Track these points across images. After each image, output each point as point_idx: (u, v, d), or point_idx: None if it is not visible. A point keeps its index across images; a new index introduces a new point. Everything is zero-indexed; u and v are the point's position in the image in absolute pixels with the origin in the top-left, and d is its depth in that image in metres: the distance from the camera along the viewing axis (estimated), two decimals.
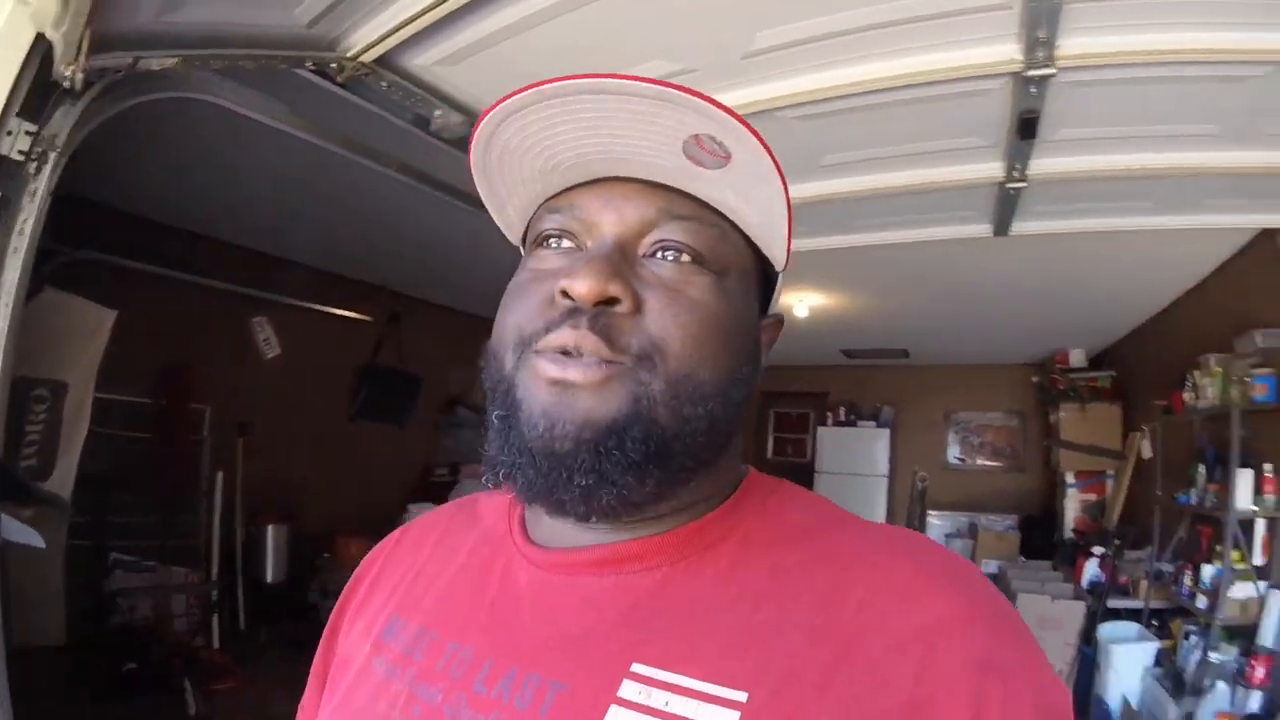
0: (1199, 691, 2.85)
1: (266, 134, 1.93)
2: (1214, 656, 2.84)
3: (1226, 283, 3.47)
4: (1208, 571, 3.12)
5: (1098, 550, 4.21)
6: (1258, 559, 2.90)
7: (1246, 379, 2.99)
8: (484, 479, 0.53)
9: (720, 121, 0.46)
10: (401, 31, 1.60)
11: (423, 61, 1.79)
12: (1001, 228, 2.61)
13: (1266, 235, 2.92)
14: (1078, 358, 5.45)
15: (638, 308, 0.48)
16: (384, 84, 1.80)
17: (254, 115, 1.78)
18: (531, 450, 0.47)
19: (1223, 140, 1.95)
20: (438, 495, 4.66)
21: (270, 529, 3.85)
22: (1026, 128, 1.86)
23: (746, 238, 0.54)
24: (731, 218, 0.52)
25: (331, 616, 0.65)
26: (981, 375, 6.45)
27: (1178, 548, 3.63)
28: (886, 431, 6.82)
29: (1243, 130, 1.90)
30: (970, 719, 0.40)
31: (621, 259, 0.49)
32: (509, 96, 0.48)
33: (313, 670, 0.65)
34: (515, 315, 0.51)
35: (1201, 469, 3.38)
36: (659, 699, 0.43)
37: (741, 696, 0.42)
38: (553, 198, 0.54)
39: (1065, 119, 1.89)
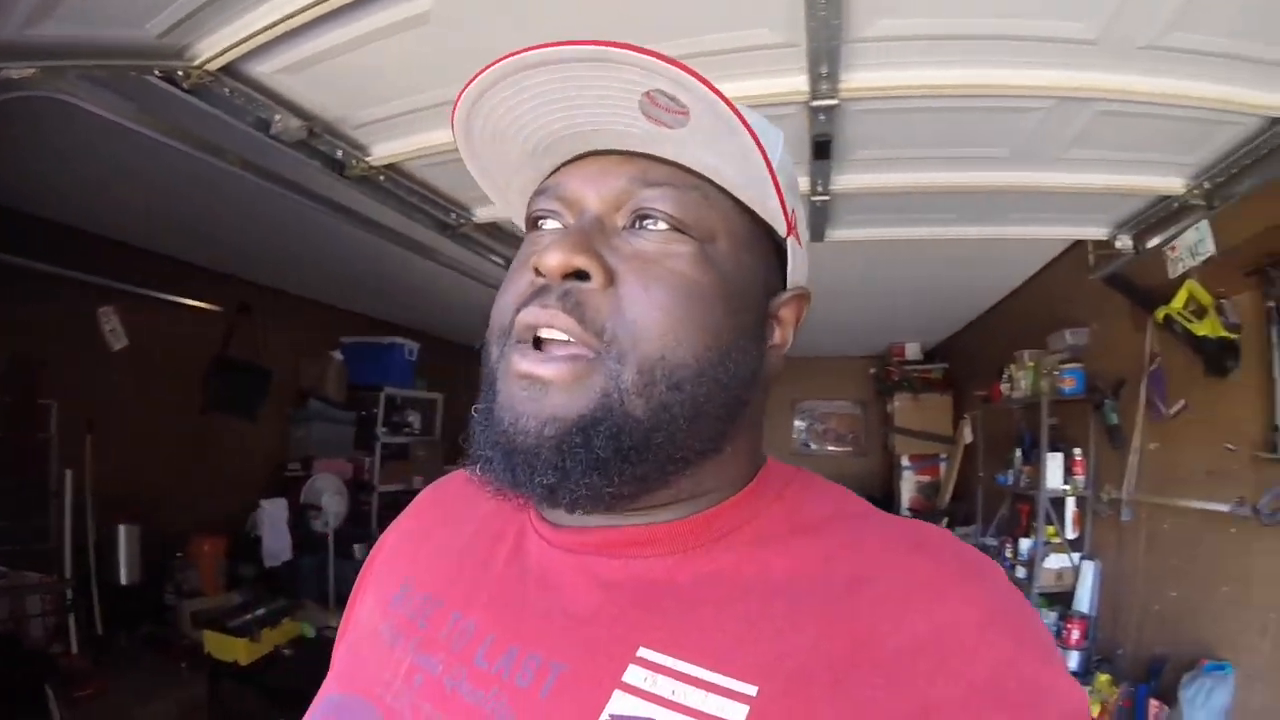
0: None
1: (115, 129, 1.93)
2: None
3: (1042, 286, 3.88)
4: (1025, 545, 3.50)
5: None
6: (1070, 533, 3.29)
7: (1056, 372, 3.36)
8: (466, 467, 0.52)
9: (664, 73, 0.43)
10: (244, 45, 1.63)
11: (266, 69, 1.78)
12: (817, 234, 2.76)
13: (1074, 247, 3.30)
14: (913, 350, 5.92)
15: (610, 281, 0.46)
16: (227, 90, 1.81)
17: (104, 114, 1.81)
18: (500, 444, 0.47)
19: (1013, 162, 2.13)
20: (291, 489, 4.49)
21: (122, 529, 3.56)
22: (821, 150, 1.96)
23: (741, 203, 0.51)
24: (714, 179, 0.50)
25: (354, 588, 0.65)
26: (826, 366, 6.80)
27: (1000, 523, 4.04)
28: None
29: (1033, 153, 2.08)
30: None
31: (597, 231, 0.48)
32: (467, 85, 0.47)
33: (336, 644, 0.63)
34: (499, 302, 0.50)
35: (1019, 453, 3.78)
36: (665, 686, 0.42)
37: (751, 690, 0.41)
38: (544, 180, 0.53)
39: (859, 142, 2.00)
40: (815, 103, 1.75)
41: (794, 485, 0.54)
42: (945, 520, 4.57)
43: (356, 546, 4.63)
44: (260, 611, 3.34)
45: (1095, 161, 2.14)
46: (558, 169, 0.52)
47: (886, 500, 6.04)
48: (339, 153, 2.04)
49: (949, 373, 5.68)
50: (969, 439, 4.58)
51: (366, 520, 5.09)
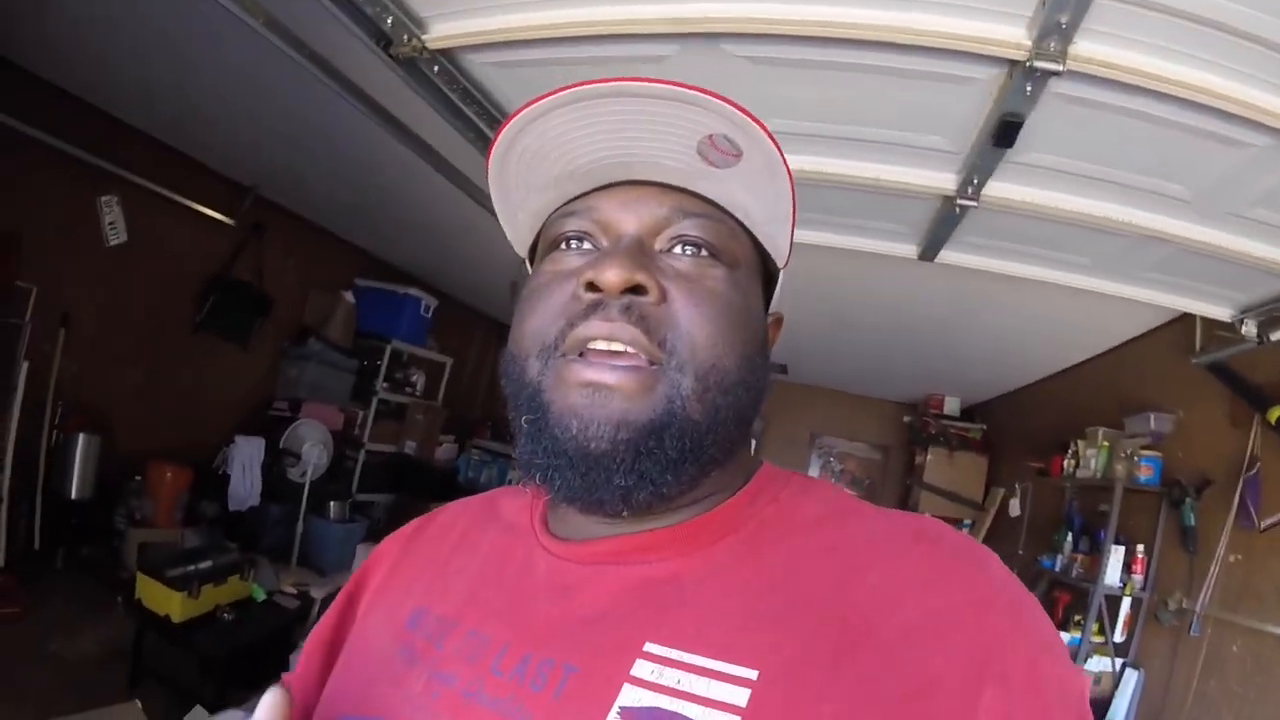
0: None
1: None
2: None
3: (1125, 360, 3.56)
4: (1063, 639, 3.17)
5: None
6: (1118, 635, 2.97)
7: (1135, 457, 3.04)
8: (519, 480, 0.57)
9: (735, 120, 0.47)
10: None
11: None
12: (929, 252, 2.45)
13: (1177, 322, 2.99)
14: (952, 405, 5.60)
15: (663, 297, 0.49)
16: None
17: None
18: (568, 453, 0.48)
19: (1190, 209, 1.88)
20: (273, 431, 4.14)
21: (81, 438, 3.21)
22: (1006, 133, 1.63)
23: (752, 236, 0.55)
24: (738, 215, 0.53)
25: (339, 601, 0.65)
26: (853, 403, 6.53)
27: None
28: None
29: (1214, 204, 1.83)
30: (981, 705, 0.39)
31: (642, 252, 0.50)
32: (531, 103, 0.48)
33: (309, 643, 0.65)
34: (537, 318, 0.51)
35: (1069, 536, 3.46)
36: (671, 677, 0.43)
37: (752, 674, 0.42)
38: (567, 203, 0.54)
39: (1042, 140, 1.73)
40: (1036, 63, 1.39)
41: (790, 487, 0.55)
42: None
43: (333, 504, 4.37)
44: (205, 564, 2.95)
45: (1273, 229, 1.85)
46: (586, 194, 0.53)
47: None
48: (389, 20, 1.66)
49: (987, 435, 5.36)
50: (1015, 513, 4.24)
51: (348, 478, 4.83)
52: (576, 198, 0.54)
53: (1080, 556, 3.29)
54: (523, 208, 0.56)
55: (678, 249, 0.52)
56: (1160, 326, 3.13)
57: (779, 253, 0.57)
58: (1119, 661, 2.94)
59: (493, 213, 0.58)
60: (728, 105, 0.46)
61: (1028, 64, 1.41)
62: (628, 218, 0.52)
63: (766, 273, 0.59)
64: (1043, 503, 4.03)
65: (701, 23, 1.51)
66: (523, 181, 0.54)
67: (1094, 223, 1.97)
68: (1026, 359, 4.23)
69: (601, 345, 0.48)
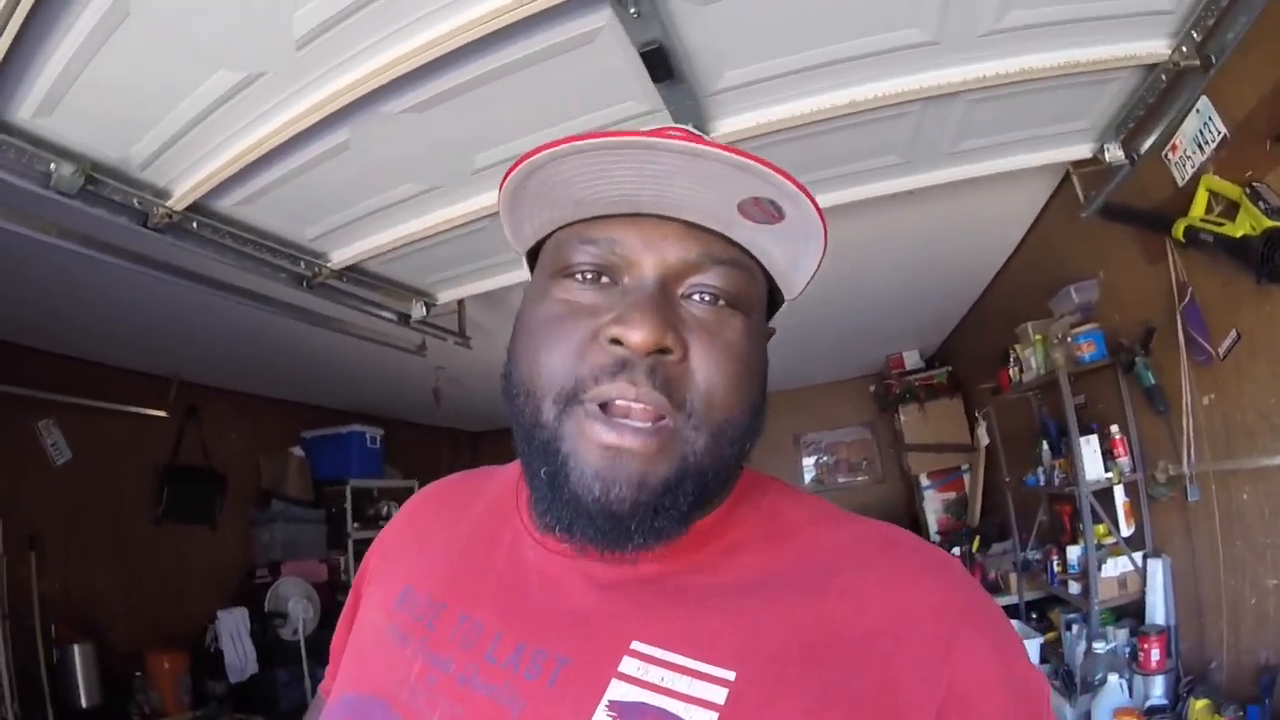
0: (1090, 688, 2.51)
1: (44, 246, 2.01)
2: (1098, 646, 2.51)
3: (1033, 249, 3.35)
4: (1074, 553, 2.85)
5: (955, 550, 3.94)
6: (1124, 529, 2.65)
7: (1069, 339, 2.79)
8: (539, 528, 0.55)
9: (784, 190, 0.47)
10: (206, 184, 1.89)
11: (227, 203, 2.08)
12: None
13: (1061, 188, 2.79)
14: (913, 359, 5.34)
15: (685, 355, 0.49)
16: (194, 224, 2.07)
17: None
18: (589, 511, 0.49)
19: (942, 50, 1.72)
20: (258, 597, 4.21)
21: (76, 649, 3.31)
22: (657, 64, 1.59)
23: (767, 275, 0.56)
24: (761, 260, 0.54)
25: (350, 595, 0.69)
26: (825, 393, 6.28)
27: (1041, 532, 3.39)
28: None
29: (962, 32, 1.67)
30: (939, 701, 0.42)
31: (666, 303, 0.50)
32: (571, 139, 0.47)
33: (332, 649, 0.69)
34: (555, 356, 0.50)
35: (1045, 446, 3.17)
36: (655, 674, 0.46)
37: (730, 674, 0.44)
38: (583, 224, 0.53)
39: (714, 59, 1.68)
40: None
41: (770, 495, 0.57)
42: (976, 539, 3.89)
43: None
44: None
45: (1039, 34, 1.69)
46: (606, 218, 0.52)
47: (913, 526, 5.35)
48: (135, 200, 1.91)
49: (954, 375, 5.07)
50: (986, 441, 3.94)
51: None
52: (595, 219, 0.52)
53: (1059, 462, 2.99)
54: (531, 220, 0.56)
55: (697, 296, 0.51)
56: (1049, 201, 2.93)
57: (791, 291, 0.59)
58: (1138, 556, 2.61)
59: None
60: (780, 175, 0.46)
61: None
62: (651, 258, 0.51)
63: (771, 299, 0.59)
64: (1016, 420, 3.73)
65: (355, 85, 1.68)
66: (540, 198, 0.52)
67: (853, 112, 1.83)
68: (951, 283, 4.02)
69: (621, 404, 0.48)
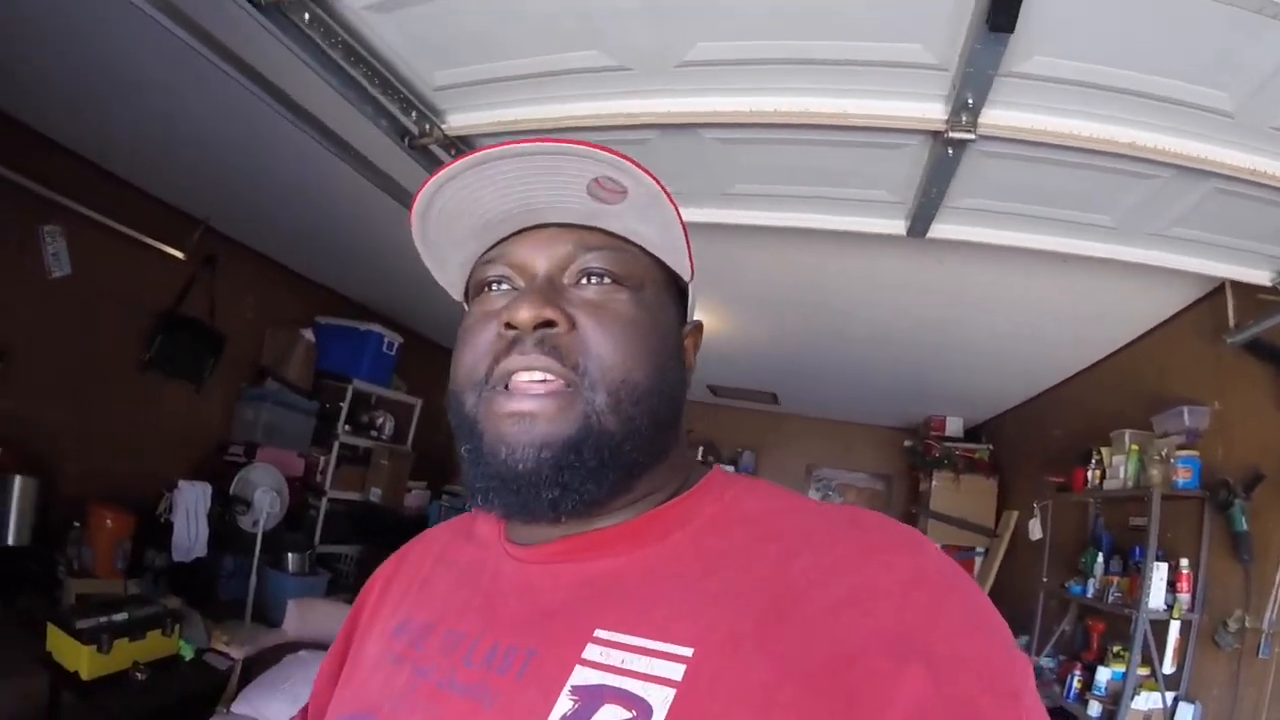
0: None
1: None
2: None
3: (1139, 356, 3.21)
4: (1103, 675, 2.74)
5: None
6: (1167, 666, 2.54)
7: (1171, 459, 2.66)
8: (466, 504, 0.62)
9: (614, 164, 0.53)
10: None
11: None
12: (920, 224, 2.15)
13: (1204, 300, 2.65)
14: (954, 426, 5.22)
15: (572, 326, 0.54)
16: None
17: None
18: (500, 475, 0.53)
19: (1234, 126, 1.55)
20: (225, 476, 3.80)
21: (18, 480, 2.95)
22: (1002, 6, 1.34)
23: (655, 258, 0.60)
24: (638, 242, 0.59)
25: (342, 631, 0.70)
26: (849, 433, 6.18)
27: (1060, 642, 3.28)
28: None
29: (1261, 116, 1.50)
30: (904, 681, 0.40)
31: (552, 289, 0.56)
32: (441, 168, 0.55)
33: (315, 685, 0.71)
34: (469, 354, 0.57)
35: (1099, 557, 3.05)
36: (616, 657, 0.47)
37: (688, 652, 0.45)
38: (486, 251, 0.60)
39: (1044, 34, 1.43)
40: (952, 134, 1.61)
41: (735, 488, 0.59)
42: None
43: (291, 556, 4.03)
44: (120, 616, 2.58)
45: None
46: (502, 241, 0.59)
47: None
48: (413, 115, 1.88)
49: (994, 455, 4.95)
50: (1037, 535, 3.80)
51: (310, 528, 4.47)
52: (495, 245, 0.60)
53: (1115, 579, 2.86)
54: (450, 260, 0.62)
55: (584, 280, 0.57)
56: (1185, 309, 2.79)
57: (682, 269, 0.62)
58: (1170, 695, 2.50)
59: None
60: (605, 152, 0.52)
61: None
62: (538, 258, 0.57)
63: (679, 289, 0.64)
64: (1061, 523, 3.61)
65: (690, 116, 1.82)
66: (444, 238, 0.60)
67: (1116, 153, 1.64)
68: (1032, 365, 3.88)
69: (523, 377, 0.53)
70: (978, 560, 4.67)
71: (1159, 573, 2.57)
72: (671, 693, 0.44)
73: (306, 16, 1.63)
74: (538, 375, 0.53)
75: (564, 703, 0.46)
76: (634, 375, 0.54)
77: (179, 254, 3.70)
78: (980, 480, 4.82)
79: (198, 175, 3.27)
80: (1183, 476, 2.59)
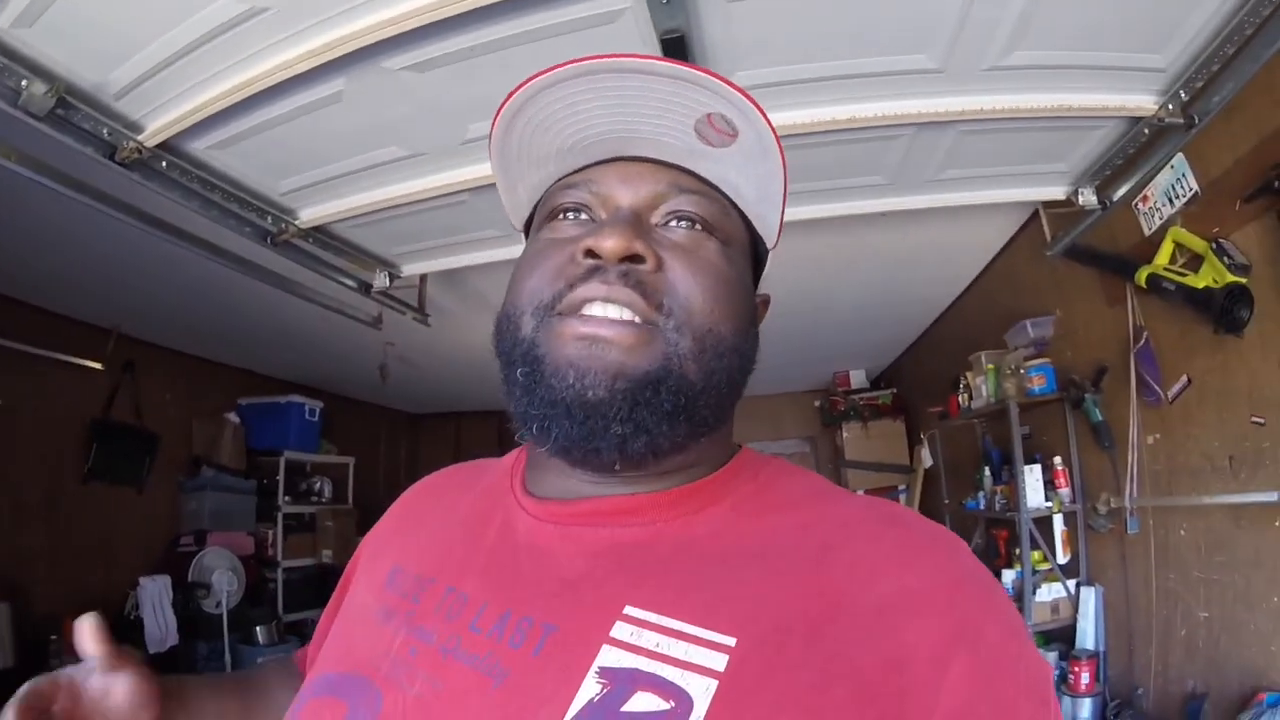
0: None
1: None
2: None
3: (993, 280, 3.48)
4: (1009, 576, 2.96)
5: None
6: (1061, 557, 2.77)
7: (1021, 371, 2.90)
8: (516, 435, 0.55)
9: (733, 101, 0.49)
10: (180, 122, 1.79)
11: (199, 145, 1.96)
12: None
13: (1029, 224, 2.90)
14: (859, 378, 5.49)
15: (659, 266, 0.51)
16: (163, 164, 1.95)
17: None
18: (565, 401, 0.48)
19: (944, 78, 1.77)
20: (182, 567, 4.02)
21: None
22: (674, 52, 1.57)
23: (744, 217, 0.57)
24: (731, 195, 0.56)
25: (340, 581, 0.68)
26: (770, 405, 6.38)
27: (976, 555, 3.50)
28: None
29: (965, 63, 1.72)
30: (945, 682, 0.40)
31: (638, 222, 0.52)
32: (540, 74, 0.50)
33: (317, 629, 0.69)
34: (535, 278, 0.52)
35: (987, 472, 3.29)
36: (650, 640, 0.43)
37: (730, 641, 0.42)
38: (565, 177, 0.56)
39: (730, 56, 1.68)
40: None
41: (769, 469, 0.56)
42: None
43: (259, 629, 4.20)
44: None
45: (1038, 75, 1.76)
46: (587, 167, 0.55)
47: None
48: (105, 131, 1.79)
49: (898, 397, 5.24)
50: (928, 463, 4.07)
51: (272, 599, 4.59)
52: (575, 171, 0.55)
53: (1001, 488, 3.11)
54: (523, 180, 0.58)
55: (673, 223, 0.53)
56: (1015, 235, 3.05)
57: (769, 232, 0.59)
58: (1072, 583, 2.73)
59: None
60: (727, 85, 0.48)
61: None
62: (625, 191, 0.53)
63: (755, 254, 0.60)
64: (959, 445, 3.88)
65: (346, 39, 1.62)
66: (525, 153, 0.55)
67: (851, 128, 1.87)
68: (910, 310, 4.16)
69: (598, 309, 0.49)
70: (901, 497, 4.92)
71: (1032, 474, 2.82)
72: (713, 684, 0.41)
73: (164, 164, 1.94)
74: (615, 311, 0.49)
75: (590, 686, 0.42)
76: (721, 327, 0.51)
77: (97, 365, 3.79)
78: (887, 423, 5.09)
79: (102, 290, 3.39)
80: (1037, 383, 2.84)
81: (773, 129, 0.50)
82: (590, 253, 0.50)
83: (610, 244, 0.49)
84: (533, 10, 1.51)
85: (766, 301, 0.63)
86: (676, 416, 0.49)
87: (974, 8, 1.51)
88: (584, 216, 0.55)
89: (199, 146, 1.95)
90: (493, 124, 0.54)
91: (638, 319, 0.49)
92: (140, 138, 1.83)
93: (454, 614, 0.50)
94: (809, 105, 1.85)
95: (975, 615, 0.42)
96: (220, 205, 2.17)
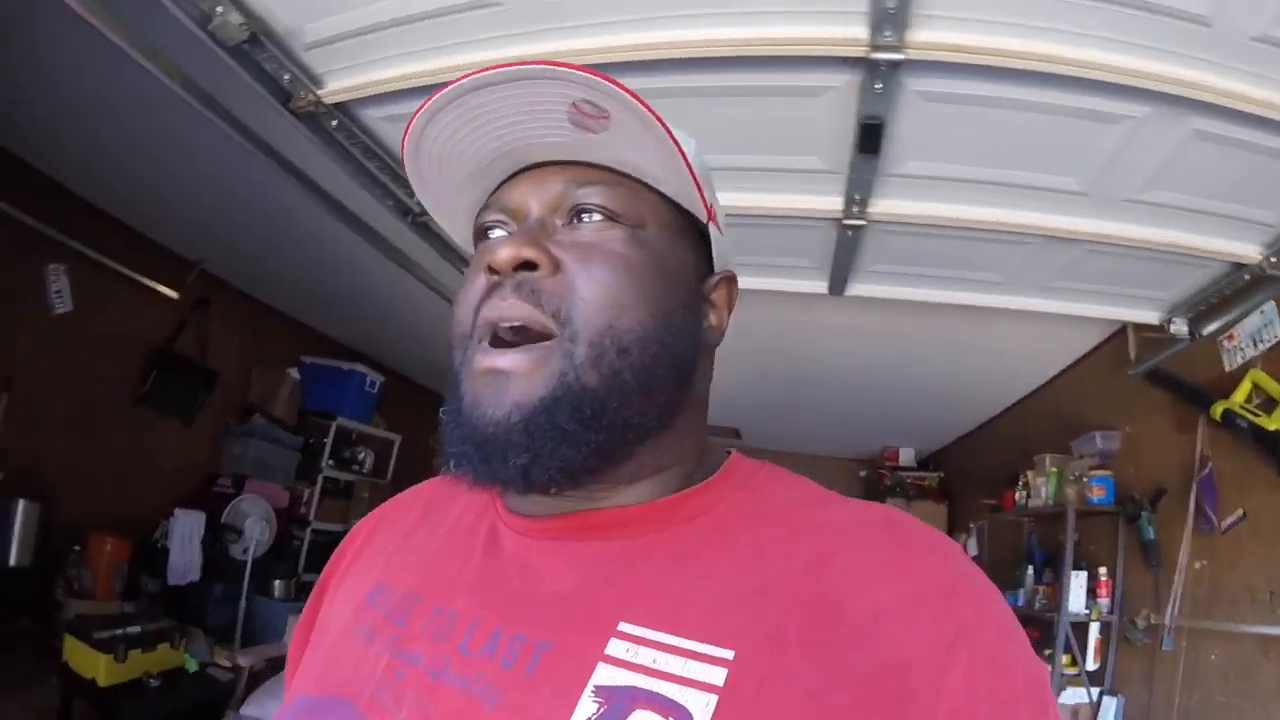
0: None
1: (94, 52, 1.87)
2: None
3: (1061, 389, 3.59)
4: None
5: None
6: (1090, 664, 2.85)
7: (1084, 479, 3.01)
8: (442, 467, 0.54)
9: (586, 83, 0.48)
10: None
11: None
12: (837, 285, 2.48)
13: (1113, 338, 3.02)
14: (907, 456, 5.57)
15: (556, 269, 0.50)
16: None
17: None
18: (470, 439, 0.49)
19: (1086, 202, 1.91)
20: (214, 507, 4.01)
21: (21, 504, 3.07)
22: (869, 138, 1.70)
23: (668, 198, 0.56)
24: (641, 177, 0.54)
25: (314, 590, 0.66)
26: (812, 465, 6.41)
27: None
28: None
29: (1108, 192, 1.87)
30: (945, 686, 0.40)
31: (540, 230, 0.52)
32: (417, 111, 0.51)
33: (289, 654, 0.66)
34: (459, 307, 0.53)
35: (1030, 570, 3.38)
36: (646, 656, 0.43)
37: (728, 654, 0.42)
38: (487, 198, 0.57)
39: (911, 146, 1.79)
40: (875, 55, 1.46)
41: (760, 475, 0.55)
42: None
43: (278, 583, 4.22)
44: (134, 628, 2.82)
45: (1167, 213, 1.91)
46: (499, 186, 0.56)
47: None
48: (286, 77, 1.76)
49: (944, 483, 5.31)
50: (973, 552, 4.14)
51: (295, 557, 4.63)
52: (493, 191, 0.57)
53: (1043, 588, 3.19)
54: (457, 210, 0.60)
55: (579, 219, 0.53)
56: (1097, 347, 3.17)
57: (694, 206, 0.56)
58: (1095, 690, 2.81)
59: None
60: (570, 69, 0.47)
61: (869, 58, 1.44)
62: (531, 200, 0.54)
63: (701, 234, 0.59)
64: (1003, 540, 3.96)
65: (571, 56, 1.55)
66: (442, 184, 0.58)
67: (990, 229, 2.01)
68: (972, 400, 4.25)
69: (504, 325, 0.49)
70: None
71: (1077, 580, 2.90)
72: (714, 699, 0.40)
73: (335, 123, 1.93)
74: (517, 323, 0.49)
75: (586, 705, 0.42)
76: (622, 320, 0.49)
77: (174, 294, 3.87)
78: (930, 506, 5.16)
79: (195, 221, 3.48)
80: (1097, 494, 2.94)
81: (638, 99, 0.48)
82: (490, 269, 0.50)
83: (501, 256, 0.49)
84: (746, 70, 1.58)
85: (730, 278, 0.60)
86: (582, 433, 0.47)
87: (1128, 150, 1.67)
88: (500, 233, 0.55)
89: (372, 115, 1.93)
90: (403, 167, 0.56)
91: (533, 330, 0.49)
92: (320, 92, 1.81)
93: (442, 635, 0.49)
94: (962, 202, 1.97)
95: (972, 618, 0.42)
96: (372, 174, 2.16)
